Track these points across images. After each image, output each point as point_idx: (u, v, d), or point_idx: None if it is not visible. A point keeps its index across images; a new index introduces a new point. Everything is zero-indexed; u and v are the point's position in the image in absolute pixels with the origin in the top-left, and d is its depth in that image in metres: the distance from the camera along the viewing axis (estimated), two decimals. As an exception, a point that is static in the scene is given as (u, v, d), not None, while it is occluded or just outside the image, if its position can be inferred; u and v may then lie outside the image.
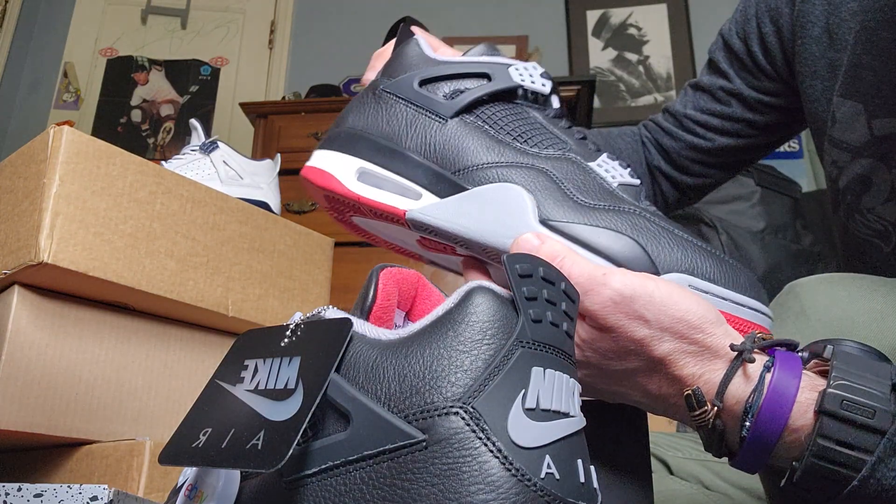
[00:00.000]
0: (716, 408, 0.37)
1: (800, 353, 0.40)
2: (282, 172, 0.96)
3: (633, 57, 2.61)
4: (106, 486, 0.43)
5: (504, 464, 0.27)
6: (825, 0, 0.66)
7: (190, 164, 0.89)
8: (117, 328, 0.71)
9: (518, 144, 0.47)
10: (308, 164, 0.50)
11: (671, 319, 0.38)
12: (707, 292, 0.42)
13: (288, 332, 0.35)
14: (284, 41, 2.83)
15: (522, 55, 2.51)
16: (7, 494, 0.42)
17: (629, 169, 0.48)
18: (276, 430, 0.30)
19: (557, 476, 0.28)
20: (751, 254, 1.76)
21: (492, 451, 0.28)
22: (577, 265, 0.40)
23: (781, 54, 0.72)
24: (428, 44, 0.52)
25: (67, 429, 0.65)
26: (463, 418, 0.28)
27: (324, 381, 0.31)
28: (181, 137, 2.73)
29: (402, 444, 0.28)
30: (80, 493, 0.42)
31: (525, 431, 0.28)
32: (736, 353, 0.38)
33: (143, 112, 2.79)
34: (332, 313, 0.35)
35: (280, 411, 0.31)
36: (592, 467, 0.31)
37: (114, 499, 0.42)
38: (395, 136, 0.47)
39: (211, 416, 0.34)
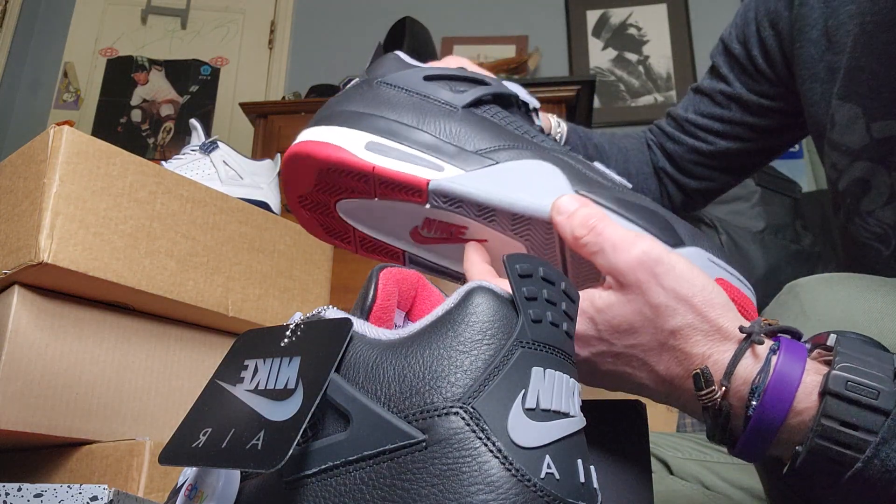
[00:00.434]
0: (723, 388, 0.38)
1: (804, 343, 0.40)
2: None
3: (633, 57, 2.61)
4: (106, 486, 0.43)
5: (504, 464, 0.27)
6: (823, 3, 0.66)
7: (190, 164, 0.89)
8: (117, 328, 0.71)
9: (528, 137, 0.48)
10: (300, 139, 0.48)
11: (689, 292, 0.39)
12: (720, 266, 0.45)
13: (288, 332, 0.35)
14: (284, 41, 2.83)
15: (522, 55, 2.51)
16: (7, 494, 0.42)
17: (623, 178, 0.49)
18: (276, 430, 0.30)
19: (557, 476, 0.28)
20: (751, 254, 1.76)
21: (492, 452, 0.28)
22: (612, 225, 0.41)
23: (781, 58, 0.72)
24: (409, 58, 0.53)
25: (67, 429, 0.65)
26: (463, 418, 0.28)
27: (324, 381, 0.31)
28: (181, 137, 2.73)
29: (401, 444, 0.28)
30: (80, 493, 0.42)
31: (525, 431, 0.28)
32: (745, 335, 0.38)
33: (143, 112, 2.79)
34: (332, 313, 0.35)
35: (280, 411, 0.31)
36: (592, 467, 0.31)
37: (114, 499, 0.42)
38: (405, 117, 0.47)
39: (211, 416, 0.34)
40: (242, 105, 2.21)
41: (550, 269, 0.33)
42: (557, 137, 0.68)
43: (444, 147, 0.46)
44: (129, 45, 2.87)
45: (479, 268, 0.45)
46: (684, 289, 0.39)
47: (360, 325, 0.34)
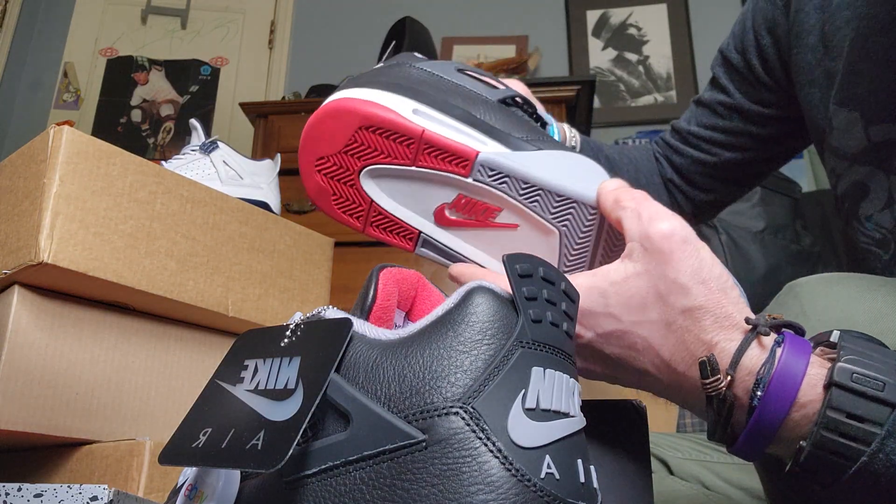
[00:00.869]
0: (729, 377, 0.38)
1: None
2: (282, 172, 0.96)
3: (633, 57, 2.61)
4: (106, 486, 0.43)
5: (504, 464, 0.27)
6: (819, 9, 0.66)
7: (190, 164, 0.89)
8: (117, 328, 0.71)
9: (556, 139, 0.50)
10: (340, 96, 0.47)
11: (707, 276, 0.39)
12: None
13: (288, 332, 0.35)
14: (284, 41, 2.82)
15: (522, 55, 2.51)
16: (7, 494, 0.42)
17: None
18: (276, 430, 0.30)
19: (557, 476, 0.28)
20: (751, 254, 1.76)
21: (492, 452, 0.28)
22: (655, 204, 0.43)
23: (780, 64, 0.72)
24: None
25: (67, 429, 0.65)
26: (463, 418, 0.28)
27: (324, 381, 0.31)
28: (181, 137, 2.73)
29: (401, 444, 0.28)
30: (80, 493, 0.42)
31: (525, 431, 0.28)
32: (751, 326, 0.39)
33: (143, 112, 2.79)
34: (332, 313, 0.35)
35: (280, 411, 0.31)
36: (592, 467, 0.31)
37: (114, 499, 0.42)
38: (448, 96, 0.47)
39: (211, 416, 0.34)
40: (242, 105, 2.20)
41: (550, 269, 0.33)
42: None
43: (488, 127, 0.46)
44: (129, 45, 2.87)
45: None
46: (704, 272, 0.39)
47: (360, 325, 0.34)
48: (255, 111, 2.17)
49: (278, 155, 0.99)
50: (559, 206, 0.47)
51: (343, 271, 1.11)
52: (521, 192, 0.46)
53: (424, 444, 0.28)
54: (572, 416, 0.31)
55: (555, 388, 0.30)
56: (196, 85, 2.82)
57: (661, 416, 1.28)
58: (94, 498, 0.42)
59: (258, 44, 2.85)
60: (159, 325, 0.75)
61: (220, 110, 2.77)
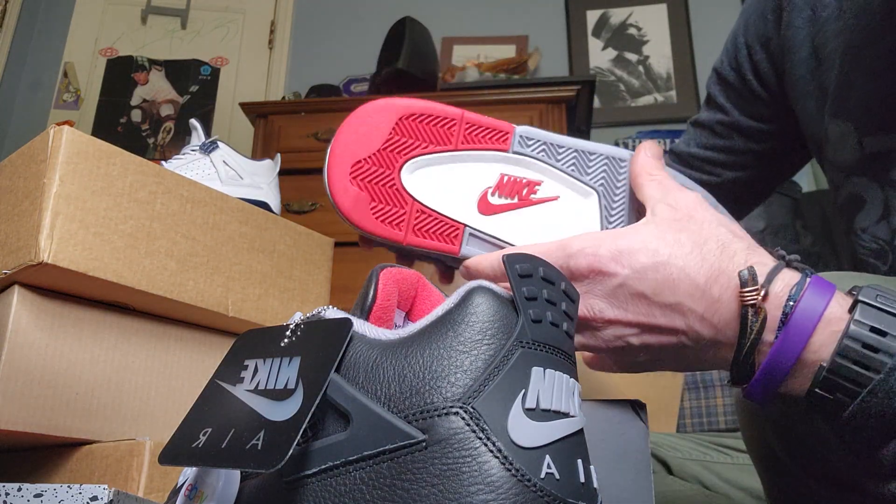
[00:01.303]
0: (764, 290, 0.40)
1: None
2: (282, 172, 0.96)
3: (633, 57, 2.61)
4: (106, 486, 0.42)
5: (504, 464, 0.27)
6: (809, 23, 0.66)
7: (190, 164, 0.89)
8: (117, 328, 0.71)
9: None
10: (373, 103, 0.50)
11: (733, 224, 0.45)
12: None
13: (288, 332, 0.35)
14: (284, 41, 2.82)
15: (522, 55, 2.51)
16: (7, 494, 0.42)
17: None
18: (276, 430, 0.30)
19: (557, 476, 0.28)
20: (751, 254, 1.76)
21: (492, 452, 0.28)
22: (676, 184, 0.47)
23: (775, 78, 0.72)
24: None
25: (67, 429, 0.65)
26: (463, 418, 0.28)
27: (324, 381, 0.31)
28: (181, 137, 2.73)
29: (401, 444, 0.28)
30: (80, 493, 0.42)
31: (525, 431, 0.28)
32: (780, 257, 0.42)
33: (143, 112, 2.79)
34: (332, 313, 0.35)
35: (280, 411, 0.31)
36: (592, 467, 0.31)
37: (114, 499, 0.42)
38: None
39: (211, 416, 0.34)
40: (242, 105, 2.20)
41: (550, 269, 0.33)
42: None
43: None
44: (129, 45, 2.86)
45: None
46: (728, 224, 0.44)
47: (360, 325, 0.34)
48: (255, 111, 2.17)
49: (278, 155, 0.99)
50: (594, 165, 0.51)
51: (343, 271, 1.10)
52: (559, 156, 0.50)
53: (424, 444, 0.28)
54: (572, 416, 0.31)
55: (555, 387, 0.30)
56: (196, 85, 2.82)
57: (662, 416, 1.28)
58: (94, 498, 0.42)
59: (258, 44, 2.85)
60: (159, 325, 0.75)
61: (220, 110, 2.77)
